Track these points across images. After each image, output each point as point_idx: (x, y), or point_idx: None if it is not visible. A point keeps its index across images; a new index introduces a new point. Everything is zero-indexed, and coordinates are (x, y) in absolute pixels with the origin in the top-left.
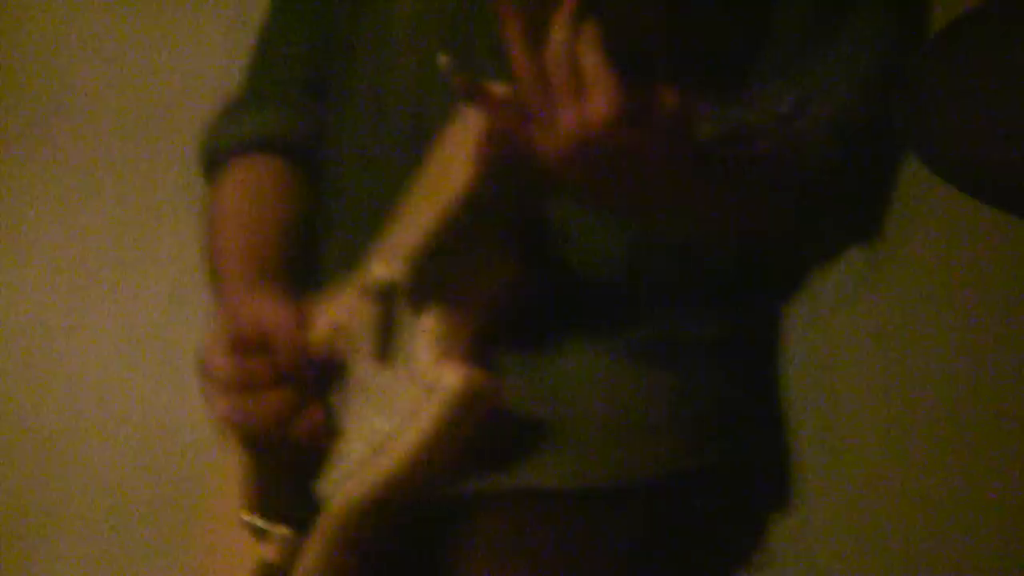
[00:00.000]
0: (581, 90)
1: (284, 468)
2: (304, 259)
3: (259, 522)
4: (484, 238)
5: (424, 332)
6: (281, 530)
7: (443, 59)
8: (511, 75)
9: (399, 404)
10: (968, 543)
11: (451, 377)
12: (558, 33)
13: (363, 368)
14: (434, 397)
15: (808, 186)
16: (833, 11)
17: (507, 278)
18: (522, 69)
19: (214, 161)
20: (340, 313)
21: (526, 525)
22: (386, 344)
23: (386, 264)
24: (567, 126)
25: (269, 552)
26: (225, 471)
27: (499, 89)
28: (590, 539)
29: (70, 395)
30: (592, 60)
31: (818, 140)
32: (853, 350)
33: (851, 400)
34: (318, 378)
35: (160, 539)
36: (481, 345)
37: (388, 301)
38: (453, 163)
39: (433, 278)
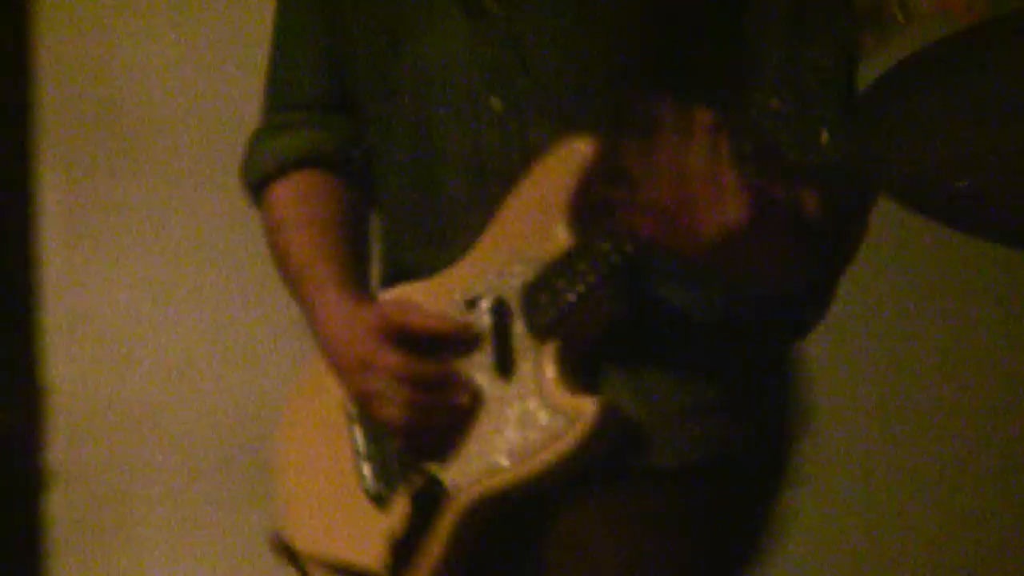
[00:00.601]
0: (719, 199)
1: (414, 449)
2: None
3: (382, 490)
4: (587, 281)
5: (549, 358)
6: (405, 503)
7: (496, 103)
8: (553, 113)
9: (537, 421)
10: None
11: (589, 406)
12: (699, 153)
13: (479, 375)
14: (576, 423)
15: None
16: (793, 19)
17: (610, 313)
18: (665, 187)
19: (256, 184)
20: (435, 312)
21: (632, 497)
22: (504, 359)
23: (488, 282)
24: (709, 230)
25: (395, 523)
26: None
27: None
28: (679, 507)
29: (158, 374)
30: (730, 173)
31: (836, 144)
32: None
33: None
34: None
35: (230, 491)
36: (592, 367)
37: (500, 319)
38: (550, 209)
39: (550, 311)
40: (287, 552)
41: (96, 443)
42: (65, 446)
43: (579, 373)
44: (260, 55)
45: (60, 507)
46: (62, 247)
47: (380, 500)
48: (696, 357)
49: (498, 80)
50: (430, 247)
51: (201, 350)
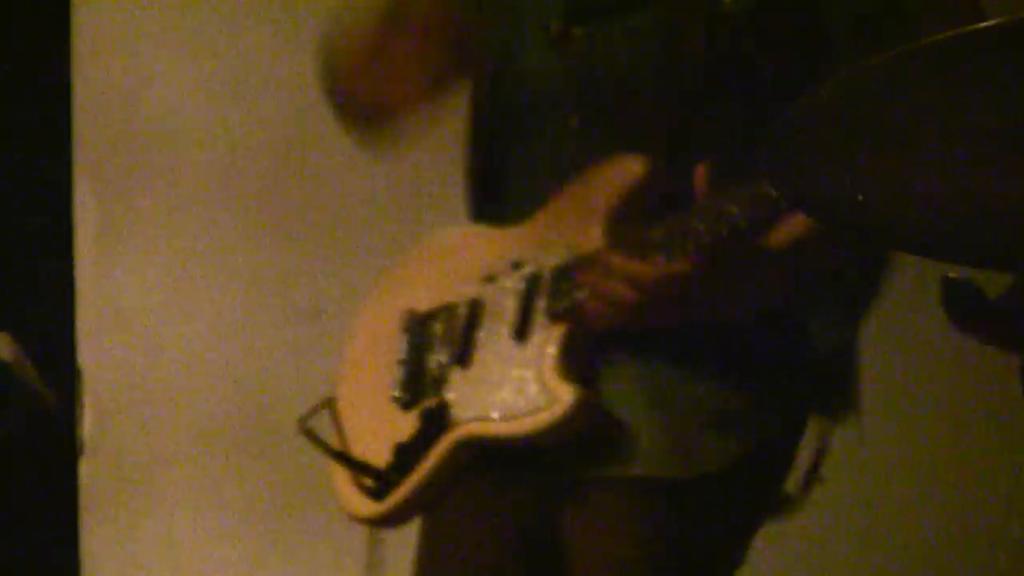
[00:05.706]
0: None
1: (429, 367)
2: None
3: (405, 397)
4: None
5: (555, 339)
6: (416, 413)
7: (574, 120)
8: (619, 133)
9: (527, 391)
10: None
11: (567, 395)
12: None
13: (503, 333)
14: (554, 406)
15: None
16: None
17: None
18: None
19: None
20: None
21: (631, 504)
22: (523, 325)
23: (533, 253)
24: (620, 304)
25: (405, 433)
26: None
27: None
28: (678, 518)
29: (176, 357)
30: (642, 268)
31: None
32: None
33: None
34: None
35: (237, 456)
36: (592, 362)
37: (530, 289)
38: (595, 209)
39: (565, 300)
40: (312, 437)
41: (124, 418)
42: (98, 421)
43: (582, 360)
44: (264, 86)
45: (93, 474)
46: (96, 249)
47: (403, 406)
48: (719, 368)
49: (577, 100)
50: (513, 204)
51: (213, 336)
